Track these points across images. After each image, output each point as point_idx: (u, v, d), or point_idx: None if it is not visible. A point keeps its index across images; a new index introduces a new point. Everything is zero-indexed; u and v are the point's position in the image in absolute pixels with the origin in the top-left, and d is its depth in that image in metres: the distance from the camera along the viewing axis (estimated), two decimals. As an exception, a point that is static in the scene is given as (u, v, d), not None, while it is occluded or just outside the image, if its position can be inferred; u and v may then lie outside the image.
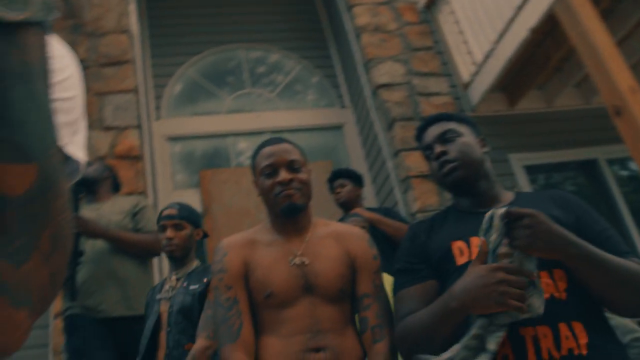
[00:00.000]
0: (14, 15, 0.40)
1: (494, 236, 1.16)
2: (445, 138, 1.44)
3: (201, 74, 4.92)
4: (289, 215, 1.57)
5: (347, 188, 3.30)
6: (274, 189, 1.58)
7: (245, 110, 4.80)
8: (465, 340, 1.13)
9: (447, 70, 4.39)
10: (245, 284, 1.54)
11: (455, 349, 1.14)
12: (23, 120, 0.39)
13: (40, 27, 0.44)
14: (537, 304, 1.10)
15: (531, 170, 4.12)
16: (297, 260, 1.53)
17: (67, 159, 0.57)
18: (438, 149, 1.43)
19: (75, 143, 0.58)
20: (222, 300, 1.52)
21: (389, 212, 3.19)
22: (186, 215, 2.27)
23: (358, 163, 4.57)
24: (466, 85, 4.24)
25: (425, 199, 3.73)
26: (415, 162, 3.83)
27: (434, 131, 1.48)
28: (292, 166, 1.59)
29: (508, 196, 1.43)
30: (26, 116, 0.39)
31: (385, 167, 4.15)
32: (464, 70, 4.26)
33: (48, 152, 0.40)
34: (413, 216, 3.70)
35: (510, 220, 1.14)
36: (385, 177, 4.15)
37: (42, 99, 0.42)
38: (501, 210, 1.16)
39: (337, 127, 4.82)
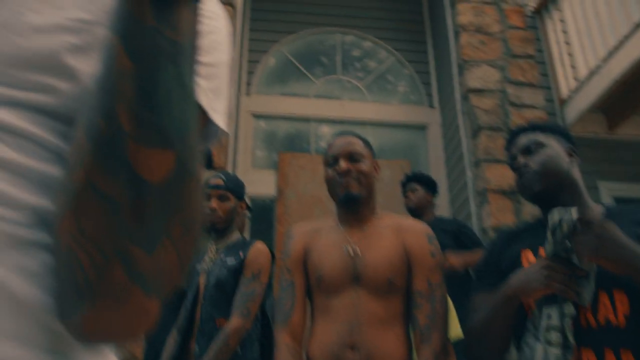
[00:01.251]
0: None
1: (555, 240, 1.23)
2: (529, 149, 1.44)
3: (294, 53, 4.97)
4: (346, 204, 1.63)
5: (419, 194, 3.26)
6: (334, 179, 1.64)
7: (333, 97, 4.82)
8: (543, 333, 1.20)
9: (545, 82, 4.18)
10: (304, 269, 1.63)
11: (540, 349, 1.19)
12: (167, 104, 0.38)
13: (194, 1, 0.41)
14: (586, 295, 1.17)
15: (621, 202, 3.88)
16: (350, 249, 1.58)
17: (208, 122, 0.55)
18: (521, 160, 1.45)
19: (216, 109, 0.56)
20: (282, 281, 1.63)
21: (462, 228, 3.12)
22: (232, 187, 2.26)
23: (437, 167, 4.48)
24: (563, 101, 4.02)
25: (500, 216, 3.62)
26: (496, 175, 3.71)
27: (520, 142, 1.48)
28: (352, 157, 1.64)
29: (596, 210, 1.40)
30: (170, 99, 0.38)
31: (463, 176, 4.05)
32: (564, 85, 4.04)
33: (188, 138, 0.39)
34: (485, 232, 3.61)
35: (579, 227, 1.17)
36: (462, 186, 4.06)
37: (187, 82, 0.40)
38: (571, 215, 1.21)
39: (422, 127, 4.74)
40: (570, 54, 4.05)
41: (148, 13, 0.37)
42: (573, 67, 3.98)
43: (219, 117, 0.56)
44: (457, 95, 4.26)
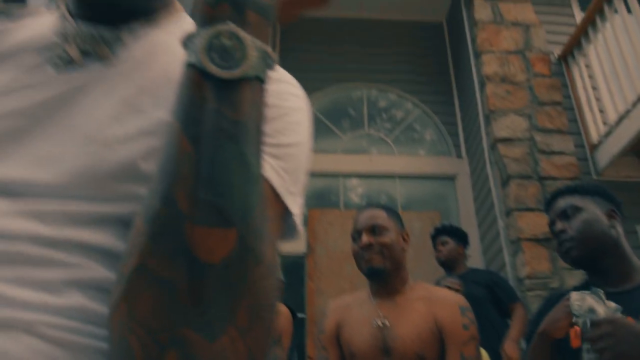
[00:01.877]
0: (228, 72, 0.39)
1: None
2: (566, 214, 1.44)
3: (321, 110, 5.07)
4: (370, 278, 1.65)
5: (450, 246, 3.21)
6: (358, 253, 1.67)
7: (361, 151, 4.87)
8: None
9: (574, 128, 4.12)
10: (338, 345, 1.65)
11: None
12: (227, 183, 0.37)
13: (258, 81, 0.42)
14: None
15: (663, 246, 3.72)
16: (379, 322, 1.56)
17: (285, 212, 0.51)
18: (558, 226, 1.45)
19: (292, 191, 0.52)
20: (318, 358, 1.67)
21: (497, 280, 3.04)
22: None
23: (467, 218, 4.42)
24: (594, 146, 3.95)
25: (535, 265, 3.51)
26: (529, 223, 3.63)
27: (557, 206, 1.49)
28: (374, 230, 1.66)
29: None
30: (231, 179, 0.37)
31: (495, 226, 3.97)
32: (594, 130, 3.98)
33: (250, 217, 0.37)
34: (521, 282, 3.50)
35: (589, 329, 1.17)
36: (495, 236, 3.98)
37: (251, 162, 0.39)
38: (583, 319, 1.21)
39: (450, 178, 4.71)
40: (598, 99, 4.01)
41: (208, 95, 0.39)
42: (602, 111, 3.93)
43: (294, 200, 0.53)
44: (485, 145, 4.24)
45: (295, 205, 0.53)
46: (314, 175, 4.72)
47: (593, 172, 3.91)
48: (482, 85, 4.37)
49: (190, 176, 0.37)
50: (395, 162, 4.76)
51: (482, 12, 4.73)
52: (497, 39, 4.57)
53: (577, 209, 1.43)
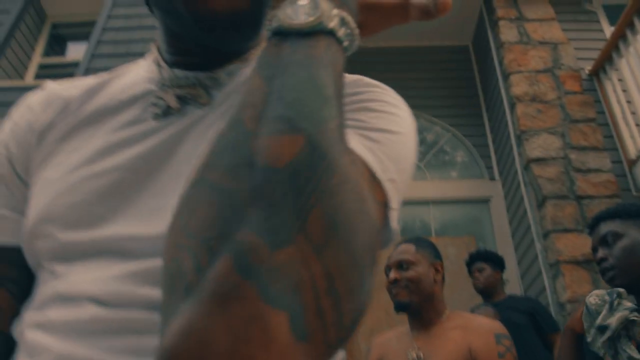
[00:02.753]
0: (297, 20, 0.41)
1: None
2: (606, 241, 1.44)
3: (353, 140, 5.07)
4: (399, 312, 1.70)
5: (486, 273, 3.13)
6: (388, 288, 1.74)
7: (392, 178, 4.83)
8: None
9: (610, 144, 4.01)
10: None
11: None
12: (297, 99, 0.35)
13: (334, 38, 0.42)
14: None
15: None
16: (414, 354, 1.58)
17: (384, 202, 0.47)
18: (599, 254, 1.47)
19: (392, 184, 0.48)
20: None
21: (537, 308, 2.94)
22: None
23: (503, 241, 4.31)
24: (632, 162, 3.82)
25: (576, 288, 3.38)
26: (568, 245, 3.52)
27: (598, 232, 1.50)
28: (401, 266, 1.72)
29: None
30: (302, 96, 0.36)
31: (533, 249, 3.86)
32: (631, 145, 3.85)
33: (321, 126, 0.34)
34: (562, 306, 3.37)
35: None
36: (533, 259, 3.86)
37: (324, 84, 0.37)
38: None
39: (484, 201, 4.63)
40: (633, 112, 3.89)
41: (284, 46, 0.41)
42: (638, 125, 3.81)
43: (395, 191, 0.48)
44: (518, 166, 4.16)
45: (394, 198, 0.48)
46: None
47: (633, 188, 3.77)
48: (512, 106, 4.31)
49: (259, 102, 0.36)
50: (428, 187, 4.71)
51: (508, 34, 4.70)
52: (525, 59, 4.52)
53: (617, 236, 1.42)
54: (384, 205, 0.47)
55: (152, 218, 0.50)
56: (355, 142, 0.47)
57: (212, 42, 0.58)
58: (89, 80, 0.68)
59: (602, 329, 1.27)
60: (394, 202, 0.48)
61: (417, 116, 5.13)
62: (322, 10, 0.41)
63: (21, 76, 5.24)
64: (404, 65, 5.43)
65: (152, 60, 0.66)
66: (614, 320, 1.27)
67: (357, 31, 0.44)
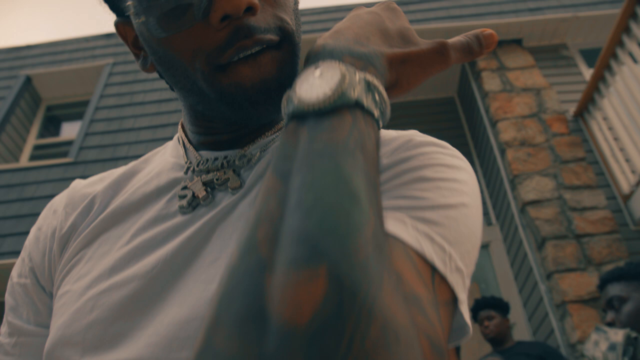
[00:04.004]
0: (316, 96, 0.36)
1: None
2: (612, 305, 1.53)
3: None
4: None
5: (496, 321, 3.06)
6: None
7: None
8: None
9: (602, 181, 4.05)
10: None
11: None
12: (317, 204, 0.29)
13: (361, 110, 0.36)
14: None
15: None
16: None
17: (451, 297, 0.40)
18: (607, 317, 1.56)
19: (458, 274, 0.41)
20: None
21: (548, 351, 2.88)
22: None
23: (506, 285, 4.26)
24: (626, 197, 3.85)
25: (586, 328, 3.32)
26: (572, 285, 3.48)
27: (605, 294, 1.59)
28: None
29: None
30: (323, 196, 0.29)
31: (537, 290, 3.81)
32: (623, 180, 3.89)
33: (349, 244, 0.27)
34: (573, 348, 3.30)
35: None
36: (538, 301, 3.81)
37: (350, 177, 0.31)
38: None
39: (483, 246, 4.61)
40: (622, 149, 3.96)
41: (303, 131, 0.36)
42: (628, 160, 3.86)
43: (462, 281, 0.42)
44: (514, 209, 4.17)
45: (463, 289, 0.42)
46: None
47: (630, 222, 3.78)
48: (503, 152, 4.37)
49: (275, 211, 0.30)
50: (425, 237, 4.69)
51: (491, 83, 4.83)
52: (510, 106, 4.63)
53: (622, 300, 1.50)
54: (452, 302, 0.40)
55: (174, 335, 0.45)
56: (407, 230, 0.40)
57: (241, 119, 0.53)
58: (117, 172, 0.64)
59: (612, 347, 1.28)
60: (463, 294, 0.41)
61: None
62: (342, 79, 0.36)
63: (16, 158, 5.29)
64: (391, 119, 5.53)
65: (179, 143, 0.62)
66: (618, 337, 1.29)
67: (386, 96, 0.39)
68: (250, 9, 0.47)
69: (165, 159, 0.62)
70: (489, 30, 0.48)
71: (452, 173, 0.48)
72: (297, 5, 0.57)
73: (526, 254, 3.99)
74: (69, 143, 5.31)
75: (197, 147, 0.59)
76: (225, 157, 0.56)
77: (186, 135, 0.61)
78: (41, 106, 5.85)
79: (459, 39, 0.47)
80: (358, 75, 0.37)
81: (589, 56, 5.14)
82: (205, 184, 0.55)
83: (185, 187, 0.55)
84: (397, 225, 0.40)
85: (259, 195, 0.33)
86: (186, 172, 0.57)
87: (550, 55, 5.11)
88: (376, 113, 0.38)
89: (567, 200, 3.92)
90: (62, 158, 4.94)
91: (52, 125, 5.91)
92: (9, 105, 5.31)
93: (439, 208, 0.43)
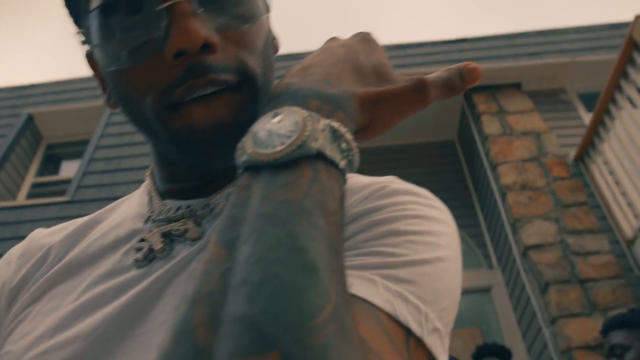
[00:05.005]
0: (272, 150, 0.32)
1: None
2: (615, 353, 1.54)
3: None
4: None
5: None
6: None
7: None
8: None
9: (605, 226, 4.01)
10: None
11: None
12: (266, 281, 0.25)
13: (324, 161, 0.33)
14: None
15: None
16: None
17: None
18: None
19: (436, 334, 0.38)
20: None
21: None
22: None
23: (509, 330, 4.17)
24: (630, 242, 3.80)
25: (593, 377, 3.22)
26: (577, 330, 3.39)
27: (607, 341, 1.61)
28: None
29: None
30: (274, 271, 0.25)
31: (541, 336, 3.72)
32: (626, 225, 3.85)
33: (303, 327, 0.24)
34: (580, 397, 3.19)
35: None
36: (542, 347, 3.71)
37: (306, 246, 0.27)
38: None
39: (485, 290, 4.53)
40: (623, 193, 3.93)
41: (255, 188, 0.31)
42: (630, 205, 3.83)
43: (440, 341, 0.39)
44: (516, 253, 4.12)
45: (442, 350, 0.39)
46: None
47: (634, 267, 3.72)
48: (503, 195, 4.35)
49: (216, 288, 0.26)
50: (426, 281, 4.62)
51: (490, 127, 4.85)
52: (510, 150, 4.63)
53: (624, 348, 1.51)
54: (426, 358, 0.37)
55: None
56: (378, 291, 0.37)
57: (193, 163, 0.50)
58: (79, 221, 0.61)
59: None
60: (442, 356, 0.39)
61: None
62: (303, 127, 0.32)
63: (14, 196, 5.27)
64: (391, 162, 5.54)
65: (145, 191, 0.59)
66: None
67: (354, 143, 0.36)
68: (208, 47, 0.44)
69: (130, 208, 0.59)
70: (472, 64, 0.45)
71: (427, 225, 0.45)
72: (270, 49, 0.54)
73: (529, 298, 3.91)
74: (67, 182, 5.31)
75: (164, 196, 0.56)
76: (189, 207, 0.53)
77: (155, 183, 0.58)
78: (42, 144, 5.88)
79: (439, 74, 0.44)
80: (322, 123, 0.33)
81: (588, 100, 5.19)
82: (163, 235, 0.51)
83: (142, 239, 0.52)
84: (366, 286, 0.37)
85: (199, 267, 0.29)
86: (146, 222, 0.54)
87: (549, 99, 5.16)
88: (342, 163, 0.34)
89: (569, 245, 3.87)
90: (59, 196, 4.93)
91: (51, 163, 5.93)
92: (10, 143, 5.34)
93: (412, 265, 0.40)
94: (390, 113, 0.42)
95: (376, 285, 0.37)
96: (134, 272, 0.50)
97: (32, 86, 6.04)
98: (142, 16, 0.45)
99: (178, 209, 0.53)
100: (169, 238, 0.51)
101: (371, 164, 5.54)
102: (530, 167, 4.47)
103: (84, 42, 0.53)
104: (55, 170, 5.91)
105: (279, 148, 0.31)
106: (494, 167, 4.57)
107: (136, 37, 0.46)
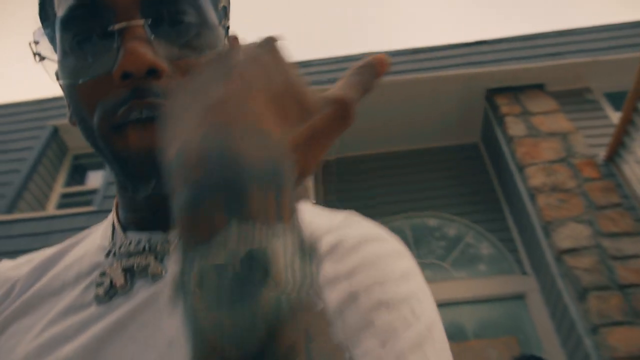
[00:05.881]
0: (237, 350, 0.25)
1: None
2: None
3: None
4: None
5: None
6: None
7: (418, 281, 4.66)
8: None
9: (642, 228, 3.90)
10: None
11: None
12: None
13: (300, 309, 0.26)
14: None
15: None
16: None
17: None
18: None
19: None
20: None
21: None
22: None
23: (548, 339, 4.06)
24: (671, 245, 3.70)
25: (640, 387, 3.11)
26: (621, 340, 3.28)
27: None
28: None
29: None
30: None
31: (582, 346, 3.61)
32: (665, 227, 3.75)
33: None
34: (627, 408, 3.09)
35: None
36: (584, 357, 3.60)
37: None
38: None
39: (519, 297, 4.42)
40: (660, 195, 3.83)
41: None
42: (668, 207, 3.73)
43: None
44: (550, 258, 4.01)
45: None
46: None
47: (677, 271, 3.61)
48: (532, 197, 4.25)
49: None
50: (456, 287, 4.52)
51: (515, 128, 4.76)
52: (537, 151, 4.53)
53: None
54: None
55: None
56: None
57: (134, 188, 0.48)
58: (46, 253, 0.59)
59: None
60: None
61: (434, 217, 5.06)
62: (277, 285, 0.24)
63: (43, 207, 5.30)
64: (415, 167, 5.46)
65: (109, 222, 0.58)
66: None
67: (315, 244, 0.28)
68: (154, 72, 0.45)
69: (94, 240, 0.57)
70: (379, 57, 0.38)
71: (402, 282, 0.47)
72: None
73: (566, 305, 3.80)
74: (94, 192, 5.38)
75: (126, 227, 0.55)
76: (149, 240, 0.52)
77: (118, 214, 0.57)
78: (67, 155, 5.93)
79: (353, 84, 0.36)
80: (288, 255, 0.25)
81: (615, 99, 5.08)
82: (124, 270, 0.50)
83: (103, 273, 0.51)
84: None
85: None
86: (107, 256, 0.53)
87: (574, 99, 5.06)
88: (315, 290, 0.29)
89: (606, 248, 3.76)
90: (86, 207, 4.97)
91: (78, 174, 6.00)
92: (37, 155, 5.39)
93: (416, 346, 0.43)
94: (320, 149, 0.34)
95: None
96: (94, 309, 0.49)
97: (55, 99, 6.04)
98: (97, 35, 0.47)
99: (139, 242, 0.52)
100: (130, 273, 0.50)
101: (391, 169, 5.45)
102: (559, 168, 4.37)
103: (40, 56, 0.54)
104: (82, 180, 5.97)
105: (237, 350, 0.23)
106: (521, 169, 4.48)
107: (89, 54, 0.47)
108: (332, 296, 0.45)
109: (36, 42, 0.53)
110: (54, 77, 0.54)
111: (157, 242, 0.51)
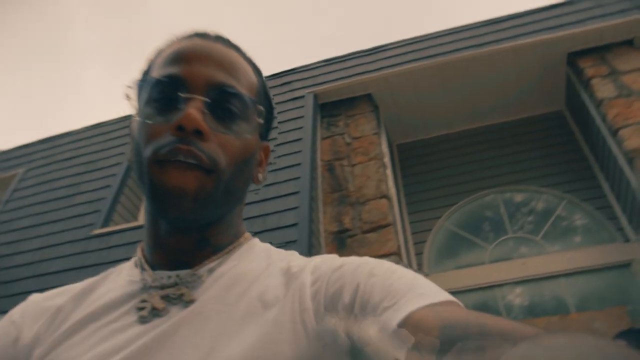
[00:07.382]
0: None
1: None
2: None
3: (458, 224, 4.86)
4: None
5: None
6: None
7: (511, 258, 4.49)
8: None
9: None
10: None
11: None
12: None
13: None
14: None
15: None
16: None
17: None
18: None
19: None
20: None
21: None
22: None
23: (661, 307, 3.78)
24: None
25: None
26: None
27: None
28: None
29: None
30: None
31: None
32: None
33: None
34: None
35: None
36: None
37: None
38: None
39: (624, 265, 4.15)
40: None
41: None
42: None
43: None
44: (655, 221, 3.74)
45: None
46: (466, 291, 4.38)
47: None
48: (630, 160, 3.97)
49: None
50: (552, 261, 4.31)
51: (603, 90, 4.47)
52: (631, 112, 4.23)
53: None
54: None
55: None
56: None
57: (162, 216, 0.63)
58: (78, 287, 0.71)
59: None
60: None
61: (527, 190, 4.86)
62: None
63: (135, 217, 5.52)
64: (500, 142, 5.28)
65: (134, 264, 0.70)
66: None
67: None
68: (199, 133, 0.60)
69: (120, 278, 0.69)
70: None
71: (382, 265, 0.62)
72: (250, 170, 0.69)
73: (679, 270, 3.52)
74: None
75: (154, 267, 0.66)
76: (178, 276, 0.63)
77: (144, 256, 0.68)
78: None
79: None
80: None
81: None
82: (162, 297, 0.61)
83: (144, 300, 0.61)
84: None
85: None
86: (142, 288, 0.64)
87: (669, 52, 4.67)
88: None
89: None
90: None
91: None
92: (125, 170, 5.58)
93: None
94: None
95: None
96: (137, 328, 0.59)
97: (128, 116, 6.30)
98: (172, 97, 0.63)
99: (169, 277, 0.64)
100: (167, 300, 0.61)
101: (475, 146, 5.29)
102: (656, 128, 4.05)
103: (128, 97, 0.69)
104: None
105: None
106: (614, 133, 4.20)
107: (162, 107, 0.63)
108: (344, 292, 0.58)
109: (129, 87, 0.68)
110: (133, 113, 0.70)
111: (186, 277, 0.63)
